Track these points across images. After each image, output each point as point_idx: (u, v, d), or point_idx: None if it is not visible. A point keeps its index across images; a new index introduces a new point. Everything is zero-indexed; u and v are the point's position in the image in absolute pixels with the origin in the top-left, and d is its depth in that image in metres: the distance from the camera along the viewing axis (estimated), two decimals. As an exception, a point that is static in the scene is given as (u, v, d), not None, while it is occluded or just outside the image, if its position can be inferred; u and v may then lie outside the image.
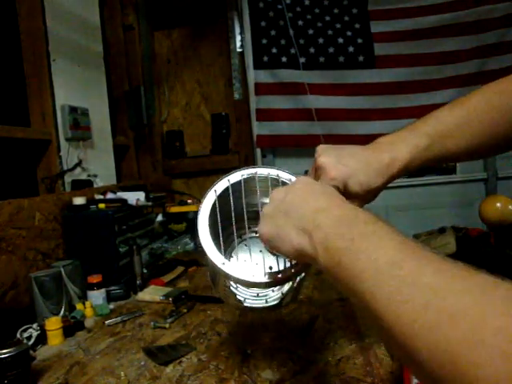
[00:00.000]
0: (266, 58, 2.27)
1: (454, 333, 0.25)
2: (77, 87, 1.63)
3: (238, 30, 2.39)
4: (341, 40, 2.28)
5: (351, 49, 2.27)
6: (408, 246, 0.33)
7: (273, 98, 2.28)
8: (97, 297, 1.12)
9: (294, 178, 0.61)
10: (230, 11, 2.41)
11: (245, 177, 0.62)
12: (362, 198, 0.56)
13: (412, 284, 0.29)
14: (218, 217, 0.58)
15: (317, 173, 0.57)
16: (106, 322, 1.01)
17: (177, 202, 2.06)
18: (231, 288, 0.61)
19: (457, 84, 2.24)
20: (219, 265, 0.53)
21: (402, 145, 0.55)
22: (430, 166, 0.58)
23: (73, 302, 1.10)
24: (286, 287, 0.62)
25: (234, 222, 0.59)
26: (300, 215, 0.43)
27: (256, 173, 0.62)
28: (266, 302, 0.62)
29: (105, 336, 0.94)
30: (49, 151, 1.47)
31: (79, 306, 1.07)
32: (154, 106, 2.44)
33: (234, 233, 0.60)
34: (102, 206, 1.30)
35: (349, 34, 2.28)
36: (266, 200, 0.55)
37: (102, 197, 1.46)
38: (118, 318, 1.02)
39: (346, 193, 0.54)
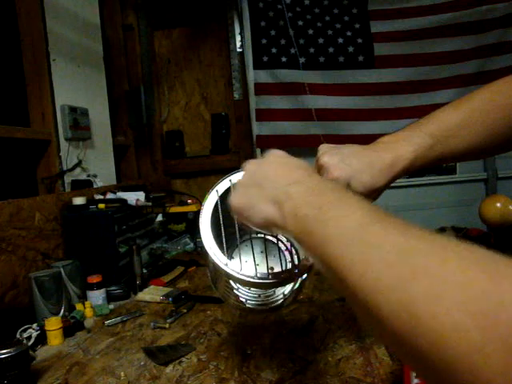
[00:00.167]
0: (265, 58, 2.27)
1: (415, 288, 0.25)
2: (77, 87, 1.63)
3: (237, 30, 2.39)
4: (341, 40, 2.28)
5: (351, 49, 2.28)
6: (375, 212, 0.34)
7: (272, 98, 2.28)
8: (97, 297, 1.12)
9: None
10: (229, 11, 2.41)
11: None
12: (365, 197, 0.56)
13: (377, 246, 0.30)
14: (221, 217, 0.58)
15: (319, 172, 0.56)
16: (106, 322, 1.01)
17: (177, 201, 2.06)
18: (232, 289, 0.61)
19: (457, 84, 2.24)
20: (222, 265, 0.53)
21: (405, 144, 0.55)
22: (431, 166, 0.58)
23: (72, 302, 1.10)
24: (288, 288, 0.62)
25: (236, 223, 0.58)
26: (273, 187, 0.44)
27: None
28: (268, 303, 0.62)
29: (105, 336, 0.94)
30: (48, 151, 1.47)
31: (79, 306, 1.07)
32: (153, 105, 2.44)
33: (236, 233, 0.59)
34: (101, 206, 1.30)
35: (349, 34, 2.28)
36: None
37: (101, 197, 1.46)
38: (118, 318, 1.02)
39: None
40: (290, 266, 0.60)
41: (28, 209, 1.15)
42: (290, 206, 0.40)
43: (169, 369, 0.75)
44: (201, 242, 0.57)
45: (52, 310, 1.01)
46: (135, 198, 1.46)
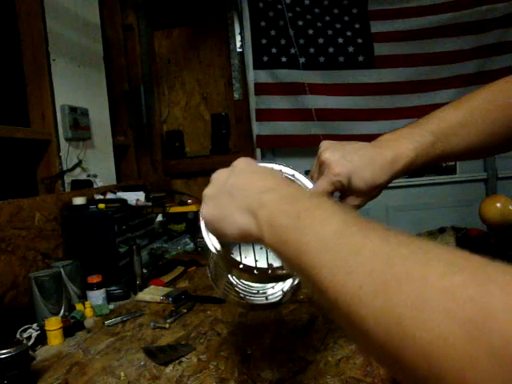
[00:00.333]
0: (265, 58, 2.28)
1: (398, 296, 0.24)
2: (77, 87, 1.63)
3: (237, 30, 2.39)
4: (341, 40, 2.28)
5: (351, 49, 2.28)
6: (353, 219, 0.33)
7: (273, 98, 2.28)
8: (97, 297, 1.12)
9: (297, 174, 0.60)
10: (229, 11, 2.41)
11: None
12: (366, 194, 0.55)
13: (357, 253, 0.29)
14: None
15: (320, 169, 0.56)
16: (106, 322, 1.01)
17: (177, 201, 2.06)
18: (232, 284, 0.61)
19: (457, 84, 2.24)
20: (218, 251, 0.52)
21: (406, 142, 0.55)
22: (432, 165, 0.58)
23: (72, 302, 1.10)
24: (288, 284, 0.62)
25: None
26: (245, 195, 0.42)
27: None
28: (267, 299, 0.62)
29: (105, 336, 0.94)
30: (48, 151, 1.47)
31: (79, 307, 1.07)
32: (153, 105, 2.44)
33: None
34: (101, 206, 1.30)
35: (349, 34, 2.29)
36: None
37: (101, 197, 1.46)
38: (118, 318, 1.02)
39: (349, 189, 0.54)
40: None
41: (28, 209, 1.15)
42: (265, 215, 0.38)
43: (169, 369, 0.75)
44: (201, 241, 0.57)
45: (52, 310, 1.01)
46: (135, 198, 1.46)
